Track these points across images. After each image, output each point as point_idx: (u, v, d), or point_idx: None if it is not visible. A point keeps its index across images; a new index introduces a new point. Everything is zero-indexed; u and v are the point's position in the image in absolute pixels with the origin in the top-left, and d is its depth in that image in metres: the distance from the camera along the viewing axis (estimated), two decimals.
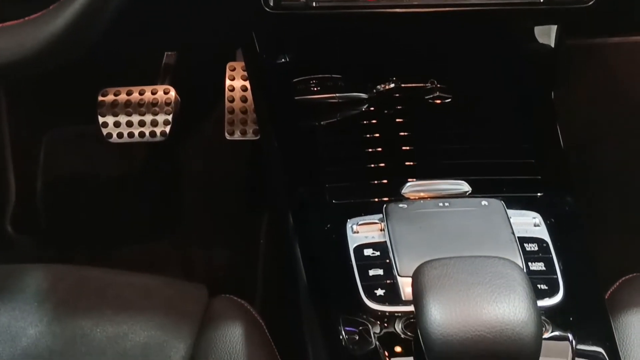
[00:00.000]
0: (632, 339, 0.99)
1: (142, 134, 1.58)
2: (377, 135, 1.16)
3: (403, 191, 1.06)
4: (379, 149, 1.14)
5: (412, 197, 1.06)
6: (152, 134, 1.58)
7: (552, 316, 0.93)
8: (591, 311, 0.97)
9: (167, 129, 1.59)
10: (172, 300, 1.09)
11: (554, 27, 1.26)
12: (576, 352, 0.91)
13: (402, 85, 1.21)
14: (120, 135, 1.58)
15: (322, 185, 1.09)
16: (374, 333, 0.92)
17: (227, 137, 1.59)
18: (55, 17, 0.86)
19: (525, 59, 1.25)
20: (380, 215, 1.02)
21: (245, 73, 1.57)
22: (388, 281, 0.95)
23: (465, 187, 1.06)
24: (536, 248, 0.98)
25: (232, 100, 1.60)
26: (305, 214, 1.09)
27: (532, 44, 1.26)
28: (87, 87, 1.59)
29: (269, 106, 1.26)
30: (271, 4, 1.10)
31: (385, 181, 1.09)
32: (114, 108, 1.59)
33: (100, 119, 1.59)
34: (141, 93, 1.59)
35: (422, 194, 1.06)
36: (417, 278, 0.83)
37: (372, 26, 1.18)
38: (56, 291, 1.07)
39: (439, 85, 1.21)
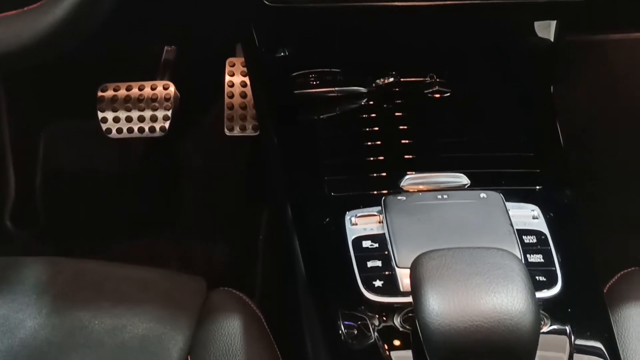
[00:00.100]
0: (631, 332, 0.99)
1: (141, 130, 1.58)
2: (376, 128, 1.16)
3: (402, 184, 1.06)
4: (378, 143, 1.14)
5: (411, 190, 1.06)
6: (152, 129, 1.59)
7: (550, 308, 0.92)
8: (589, 303, 0.97)
9: (167, 124, 1.59)
10: (171, 292, 1.09)
11: (554, 23, 1.26)
12: (575, 346, 0.91)
13: (402, 79, 1.21)
14: (119, 130, 1.59)
15: (321, 178, 1.09)
16: (373, 326, 0.92)
17: (227, 132, 1.59)
18: (54, 7, 0.86)
19: (525, 53, 1.25)
20: (379, 208, 1.02)
21: (245, 69, 1.58)
22: (386, 272, 0.95)
23: (464, 179, 1.06)
24: (534, 240, 0.98)
25: (231, 96, 1.61)
26: (304, 207, 1.09)
27: (531, 39, 1.26)
28: (86, 83, 1.60)
29: (269, 100, 1.26)
30: None
31: (384, 174, 1.09)
32: (113, 103, 1.59)
33: (100, 115, 1.59)
34: (141, 88, 1.60)
35: (420, 187, 1.06)
36: (415, 269, 0.83)
37: (371, 20, 1.18)
38: (55, 283, 1.07)
39: (438, 80, 1.21)
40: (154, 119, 1.59)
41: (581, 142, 1.45)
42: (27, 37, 0.85)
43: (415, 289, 0.82)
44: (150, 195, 1.75)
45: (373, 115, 1.18)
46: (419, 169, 1.08)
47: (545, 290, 0.94)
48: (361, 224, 1.01)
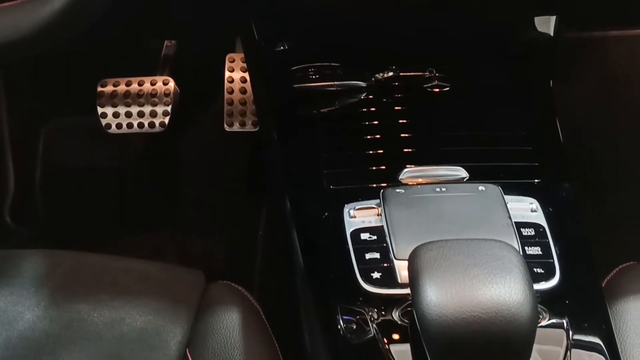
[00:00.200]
0: (629, 326, 0.99)
1: (141, 125, 1.58)
2: (376, 122, 1.16)
3: (400, 177, 1.06)
4: (377, 136, 1.14)
5: (409, 183, 1.06)
6: (151, 124, 1.58)
7: (548, 301, 0.93)
8: (587, 296, 0.97)
9: (166, 119, 1.59)
10: (169, 285, 1.09)
11: (553, 18, 1.26)
12: (573, 339, 0.91)
13: (401, 74, 1.21)
14: (119, 125, 1.58)
15: (319, 171, 1.09)
16: (372, 320, 0.92)
17: (226, 128, 1.59)
18: None
19: (524, 48, 1.26)
20: (378, 201, 1.02)
21: (245, 65, 1.58)
22: (385, 264, 0.95)
23: (462, 173, 1.06)
24: (533, 233, 0.98)
25: (231, 92, 1.61)
26: (302, 200, 1.09)
27: (531, 33, 1.26)
28: (86, 78, 1.60)
29: (268, 94, 1.26)
30: None
31: (383, 167, 1.09)
32: (113, 99, 1.59)
33: (99, 110, 1.59)
34: (140, 84, 1.59)
35: (419, 180, 1.06)
36: (413, 260, 0.83)
37: (371, 12, 1.18)
38: (53, 276, 1.07)
39: (437, 74, 1.21)
40: (153, 114, 1.59)
41: (580, 136, 1.45)
42: (26, 28, 0.85)
43: (413, 280, 0.82)
44: (150, 190, 1.75)
45: (372, 109, 1.18)
46: (417, 163, 1.08)
47: (543, 282, 0.94)
48: (359, 216, 1.01)
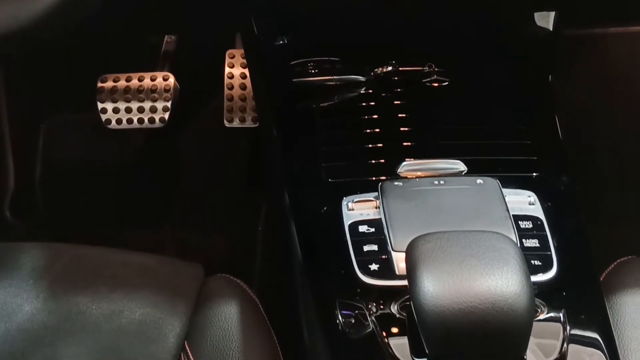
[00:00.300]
0: (626, 319, 0.99)
1: (141, 120, 1.58)
2: (375, 117, 1.16)
3: (399, 170, 1.07)
4: (376, 130, 1.14)
5: (408, 176, 1.06)
6: (151, 120, 1.59)
7: (546, 293, 0.93)
8: (585, 287, 0.97)
9: (166, 115, 1.59)
10: (168, 278, 1.09)
11: (553, 13, 1.26)
12: (570, 332, 0.91)
13: (400, 68, 1.22)
14: (119, 121, 1.58)
15: (318, 164, 1.09)
16: (370, 312, 0.92)
17: (226, 124, 1.59)
18: None
19: (524, 42, 1.26)
20: (376, 193, 1.02)
21: (245, 60, 1.58)
22: (382, 256, 0.95)
23: (461, 166, 1.06)
24: (531, 226, 0.98)
25: (231, 88, 1.61)
26: (301, 193, 1.09)
27: (530, 28, 1.26)
28: (86, 74, 1.60)
29: (267, 88, 1.26)
30: None
31: (381, 161, 1.09)
32: (113, 94, 1.59)
33: (100, 105, 1.59)
34: (140, 79, 1.60)
35: (418, 173, 1.06)
36: (410, 251, 0.83)
37: (370, 6, 1.18)
38: (52, 269, 1.07)
39: (436, 69, 1.21)
40: (153, 110, 1.59)
41: (579, 133, 1.45)
42: (24, 18, 0.85)
43: (411, 271, 0.82)
44: (149, 186, 1.75)
45: (371, 103, 1.18)
46: (416, 156, 1.08)
47: (541, 274, 0.94)
48: (358, 209, 1.01)
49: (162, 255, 1.49)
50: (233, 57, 1.61)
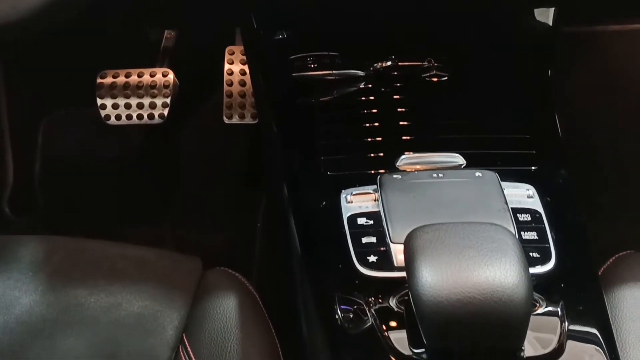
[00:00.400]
0: (625, 313, 0.99)
1: (140, 117, 1.58)
2: (374, 111, 1.16)
3: (398, 164, 1.07)
4: (375, 124, 1.14)
5: (407, 170, 1.06)
6: (150, 116, 1.58)
7: (544, 285, 0.93)
8: (583, 280, 0.97)
9: (165, 111, 1.59)
10: (167, 271, 1.09)
11: (552, 10, 1.26)
12: (569, 326, 0.91)
13: (399, 63, 1.22)
14: (118, 117, 1.58)
15: (317, 157, 1.09)
16: (369, 305, 0.92)
17: (226, 120, 1.59)
18: None
19: (523, 37, 1.26)
20: (375, 186, 1.02)
21: (244, 57, 1.58)
22: (381, 248, 0.95)
23: (460, 160, 1.07)
24: (529, 218, 0.98)
25: (230, 84, 1.61)
26: (300, 186, 1.09)
27: (530, 23, 1.26)
28: (85, 69, 1.60)
29: (267, 82, 1.26)
30: None
31: (380, 154, 1.09)
32: (112, 90, 1.59)
33: (99, 101, 1.59)
34: (140, 75, 1.59)
35: (417, 167, 1.06)
36: (408, 242, 0.83)
37: (370, 2, 1.19)
38: (51, 261, 1.08)
39: (435, 64, 1.21)
40: (152, 106, 1.59)
41: (579, 130, 1.45)
42: (23, 9, 0.85)
43: (409, 262, 0.82)
44: (149, 181, 1.75)
45: (371, 97, 1.18)
46: (415, 150, 1.09)
47: (539, 266, 0.94)
48: (356, 201, 1.01)
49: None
50: (232, 53, 1.61)
